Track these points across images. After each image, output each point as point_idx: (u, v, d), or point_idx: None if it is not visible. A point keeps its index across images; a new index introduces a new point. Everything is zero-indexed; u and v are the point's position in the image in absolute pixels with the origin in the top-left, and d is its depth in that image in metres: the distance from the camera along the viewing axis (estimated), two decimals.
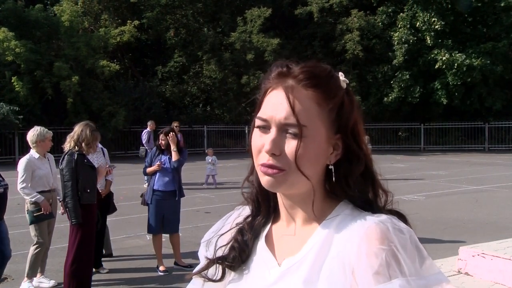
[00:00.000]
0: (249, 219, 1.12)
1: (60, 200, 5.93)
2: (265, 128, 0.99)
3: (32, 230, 5.65)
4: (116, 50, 26.66)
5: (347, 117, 1.01)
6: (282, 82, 0.99)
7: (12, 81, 20.19)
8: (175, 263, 6.37)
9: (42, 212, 5.51)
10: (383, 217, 0.95)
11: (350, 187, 1.01)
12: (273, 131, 0.97)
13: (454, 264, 4.74)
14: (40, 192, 5.62)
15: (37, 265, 5.65)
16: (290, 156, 0.95)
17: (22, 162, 5.63)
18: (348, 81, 1.03)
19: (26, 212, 5.62)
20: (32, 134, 5.73)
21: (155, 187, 6.32)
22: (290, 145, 0.96)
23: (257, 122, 1.00)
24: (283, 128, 0.96)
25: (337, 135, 1.00)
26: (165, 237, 6.52)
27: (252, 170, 1.10)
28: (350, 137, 1.01)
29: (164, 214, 6.26)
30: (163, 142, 6.39)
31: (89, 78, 22.67)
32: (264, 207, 1.11)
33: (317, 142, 0.97)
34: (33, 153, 5.74)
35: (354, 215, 0.98)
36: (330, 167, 1.01)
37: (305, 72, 0.99)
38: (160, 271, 6.20)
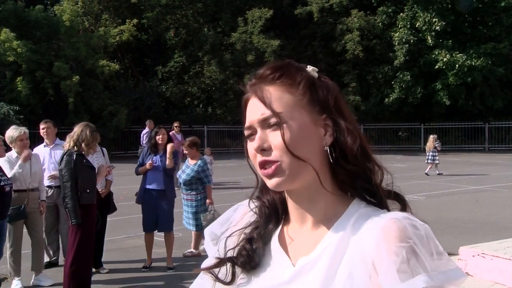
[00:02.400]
0: (258, 229, 1.11)
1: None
2: (252, 135, 1.02)
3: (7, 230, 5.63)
4: (116, 50, 26.67)
5: (324, 96, 1.02)
6: (253, 89, 1.04)
7: (17, 81, 20.18)
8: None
9: (16, 212, 5.48)
10: (399, 214, 0.96)
11: (349, 163, 1.01)
12: (258, 132, 1.00)
13: None
14: (16, 191, 5.55)
15: (18, 263, 5.63)
16: (280, 146, 0.97)
17: (1, 161, 5.54)
18: (317, 70, 1.06)
19: None
20: (6, 136, 5.70)
21: (147, 186, 6.46)
22: (275, 135, 0.98)
23: (245, 133, 1.04)
24: (264, 124, 0.99)
25: (323, 115, 1.01)
26: (161, 240, 6.54)
27: (257, 185, 1.12)
28: (336, 113, 1.02)
29: (157, 213, 6.36)
30: (164, 136, 6.50)
31: (89, 78, 22.69)
32: (274, 218, 1.11)
33: (300, 124, 0.98)
34: (13, 152, 5.72)
35: (370, 214, 0.99)
36: (326, 148, 1.01)
37: (267, 69, 1.03)
38: (142, 267, 6.35)
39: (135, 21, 25.12)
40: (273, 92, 1.00)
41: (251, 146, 1.01)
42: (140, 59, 29.88)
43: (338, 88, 1.08)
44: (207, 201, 6.81)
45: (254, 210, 1.14)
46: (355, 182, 1.03)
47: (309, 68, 1.05)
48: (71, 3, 24.37)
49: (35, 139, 7.95)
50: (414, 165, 19.14)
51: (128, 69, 28.16)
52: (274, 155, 0.98)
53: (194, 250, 6.95)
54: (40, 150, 6.52)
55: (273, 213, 1.11)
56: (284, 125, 0.97)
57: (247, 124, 1.03)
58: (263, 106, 0.99)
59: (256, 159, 1.01)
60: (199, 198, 6.80)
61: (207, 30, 27.22)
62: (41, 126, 6.56)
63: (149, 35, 27.94)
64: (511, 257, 4.33)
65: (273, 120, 0.98)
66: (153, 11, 26.57)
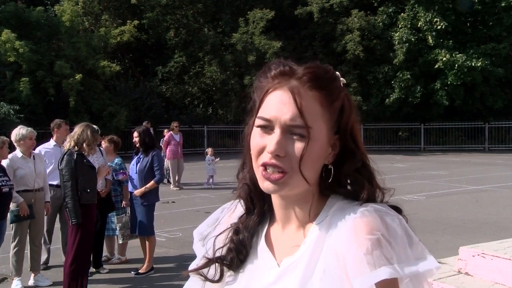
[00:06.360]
0: (243, 218, 1.11)
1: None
2: (267, 128, 0.97)
3: (12, 229, 5.66)
4: (116, 51, 26.68)
5: (347, 118, 1.01)
6: (286, 83, 0.97)
7: (21, 80, 20.16)
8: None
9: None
10: (371, 206, 0.96)
11: (346, 185, 1.03)
12: (277, 132, 0.95)
13: (454, 264, 4.73)
14: (23, 191, 5.60)
15: (20, 263, 5.65)
16: (294, 158, 0.95)
17: (4, 162, 5.59)
18: (345, 81, 1.04)
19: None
20: (14, 134, 5.74)
21: (129, 188, 6.43)
22: (296, 147, 0.95)
23: (258, 121, 0.98)
24: (288, 129, 0.95)
25: (336, 135, 1.01)
26: (161, 240, 6.52)
27: (243, 167, 1.09)
28: (349, 137, 1.02)
29: (135, 216, 6.25)
30: (136, 139, 6.32)
31: (89, 78, 22.69)
32: (258, 206, 1.10)
33: (320, 143, 0.97)
34: (17, 152, 5.75)
35: (344, 207, 0.99)
36: (330, 167, 1.01)
37: (309, 73, 0.98)
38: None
39: (135, 22, 25.15)
40: (309, 101, 0.96)
41: (261, 140, 0.97)
42: (140, 59, 29.87)
43: (357, 108, 1.07)
44: (124, 203, 6.58)
45: (238, 208, 1.14)
46: (341, 191, 1.04)
47: (338, 76, 1.04)
48: (71, 3, 24.39)
49: (37, 139, 8.01)
50: (414, 165, 19.14)
51: (128, 69, 28.15)
52: (285, 164, 0.95)
53: (121, 257, 6.72)
54: (50, 148, 6.53)
55: (259, 201, 1.10)
56: (309, 142, 0.95)
57: (267, 116, 0.97)
58: (297, 112, 0.94)
59: (261, 155, 0.97)
60: (118, 200, 6.59)
61: (207, 31, 27.21)
62: (67, 126, 6.63)
63: (149, 35, 27.92)
64: (511, 257, 4.32)
65: (300, 132, 0.95)
66: (153, 12, 26.56)
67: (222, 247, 1.10)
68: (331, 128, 0.99)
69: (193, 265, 1.15)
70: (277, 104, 0.97)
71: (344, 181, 1.03)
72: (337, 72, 1.04)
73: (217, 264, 1.09)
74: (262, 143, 0.97)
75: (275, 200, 1.06)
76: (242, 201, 1.12)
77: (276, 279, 1.01)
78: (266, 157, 0.96)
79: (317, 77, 0.98)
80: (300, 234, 1.03)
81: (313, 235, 1.00)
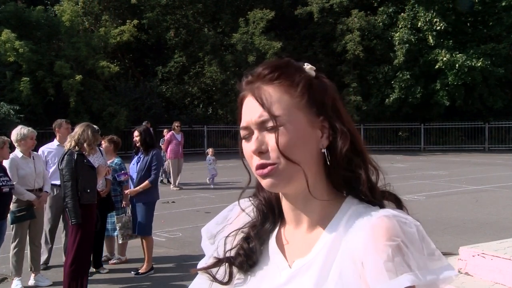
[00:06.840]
0: (255, 227, 1.11)
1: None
2: (249, 136, 1.00)
3: (13, 229, 5.66)
4: (116, 51, 26.68)
5: (321, 97, 1.01)
6: (250, 87, 1.02)
7: (22, 80, 20.18)
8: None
9: (24, 213, 5.52)
10: (390, 212, 0.96)
11: (342, 166, 1.01)
12: (255, 133, 0.99)
13: (454, 264, 4.73)
14: None
15: (20, 263, 5.66)
16: (276, 148, 0.96)
17: (6, 162, 5.60)
18: (315, 68, 1.05)
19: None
20: (15, 133, 5.76)
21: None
22: (272, 138, 0.97)
23: (241, 132, 1.02)
24: (261, 127, 0.98)
25: (320, 117, 1.00)
26: (161, 240, 6.53)
27: (248, 183, 1.12)
28: (332, 114, 1.01)
29: (135, 215, 6.27)
30: (137, 138, 6.34)
31: (89, 78, 22.71)
32: (271, 216, 1.11)
33: (297, 126, 0.98)
34: (17, 152, 5.76)
35: (361, 212, 0.99)
36: (323, 150, 1.01)
37: (265, 68, 1.01)
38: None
39: (135, 21, 25.18)
40: (272, 93, 0.99)
41: (248, 147, 1.00)
42: (140, 59, 29.87)
43: (335, 87, 1.07)
44: (123, 202, 6.56)
45: (246, 210, 1.14)
46: (349, 184, 1.03)
47: (307, 66, 1.04)
48: (71, 3, 24.40)
49: (37, 139, 8.04)
50: (414, 165, 19.14)
51: (128, 70, 28.17)
52: (271, 157, 0.97)
53: (121, 257, 6.73)
54: (53, 148, 6.55)
55: (270, 211, 1.11)
56: (281, 128, 0.96)
57: (243, 124, 1.01)
58: (261, 107, 0.98)
59: (253, 160, 1.00)
60: (118, 200, 6.58)
61: (207, 31, 27.21)
62: (67, 125, 6.67)
63: (149, 35, 27.92)
64: (511, 257, 4.33)
65: (270, 123, 0.97)
66: (153, 12, 26.57)
67: (231, 249, 1.10)
68: (307, 111, 0.99)
69: (202, 263, 1.14)
70: (247, 109, 1.01)
71: (353, 181, 1.02)
72: (305, 63, 1.05)
73: (226, 264, 1.09)
74: (249, 149, 1.00)
75: (285, 202, 1.06)
76: (254, 209, 1.13)
77: (287, 280, 1.01)
78: (256, 160, 0.99)
79: (272, 69, 1.01)
80: (312, 236, 1.02)
81: (327, 238, 0.99)
